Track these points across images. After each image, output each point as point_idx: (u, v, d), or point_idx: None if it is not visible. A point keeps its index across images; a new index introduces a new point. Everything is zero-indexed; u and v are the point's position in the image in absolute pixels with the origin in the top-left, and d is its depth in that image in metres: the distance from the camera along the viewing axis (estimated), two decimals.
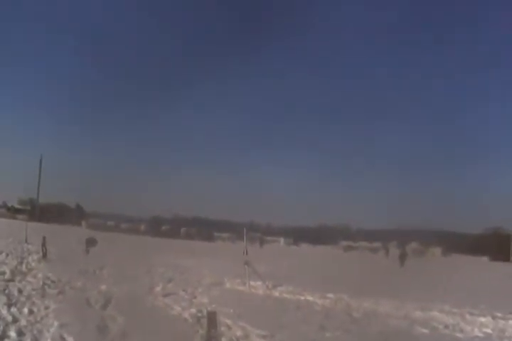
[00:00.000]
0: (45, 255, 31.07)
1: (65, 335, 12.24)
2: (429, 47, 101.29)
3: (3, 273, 22.32)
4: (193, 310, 16.86)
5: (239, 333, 14.01)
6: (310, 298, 22.41)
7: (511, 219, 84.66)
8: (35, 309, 15.03)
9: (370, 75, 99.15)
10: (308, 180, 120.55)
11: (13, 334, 12.02)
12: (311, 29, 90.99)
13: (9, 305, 15.09)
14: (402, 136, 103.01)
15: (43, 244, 32.03)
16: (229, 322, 15.11)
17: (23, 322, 13.21)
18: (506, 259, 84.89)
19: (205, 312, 15.66)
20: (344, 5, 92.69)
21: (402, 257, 55.47)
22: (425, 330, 16.50)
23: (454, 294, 25.80)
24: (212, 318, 12.55)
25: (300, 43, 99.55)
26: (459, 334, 16.38)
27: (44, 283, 20.38)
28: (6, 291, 17.70)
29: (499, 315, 20.36)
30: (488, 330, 17.38)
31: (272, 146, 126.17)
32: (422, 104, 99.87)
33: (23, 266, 26.22)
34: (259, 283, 25.31)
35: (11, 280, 20.58)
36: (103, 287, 20.29)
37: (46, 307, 15.38)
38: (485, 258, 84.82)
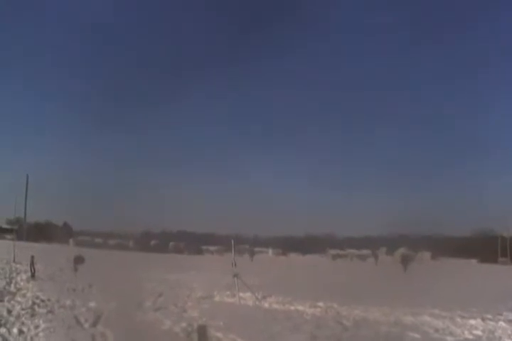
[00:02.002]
0: (33, 274, 30.96)
1: None
2: (429, 48, 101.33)
3: None
4: (184, 324, 16.82)
5: None
6: (300, 308, 22.43)
7: (498, 221, 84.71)
8: (24, 329, 14.97)
9: (369, 75, 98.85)
10: (294, 189, 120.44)
11: None
12: (311, 30, 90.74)
13: None
14: (393, 143, 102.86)
15: (32, 264, 31.92)
16: (219, 335, 15.10)
17: None
18: (494, 261, 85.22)
19: (195, 326, 15.67)
20: (344, 6, 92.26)
21: (405, 261, 55.73)
22: (416, 335, 16.54)
23: (444, 298, 25.91)
24: (202, 332, 12.59)
25: (300, 44, 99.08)
26: (449, 338, 16.45)
27: (33, 303, 20.30)
28: None
29: (489, 316, 20.50)
30: (478, 332, 17.47)
31: (258, 156, 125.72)
32: (421, 107, 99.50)
33: (12, 286, 26.12)
34: (248, 294, 25.33)
35: (0, 300, 20.49)
36: (92, 304, 20.23)
37: (36, 327, 15.32)
38: (474, 261, 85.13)
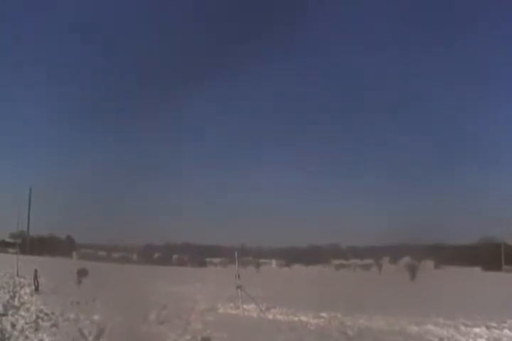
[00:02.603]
0: (37, 288, 30.96)
1: None
2: (430, 49, 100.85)
3: None
4: (188, 337, 16.81)
5: None
6: (304, 318, 22.41)
7: (502, 229, 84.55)
8: None
9: (369, 76, 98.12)
10: (296, 199, 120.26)
11: None
12: (310, 29, 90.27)
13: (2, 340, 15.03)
14: (394, 151, 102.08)
15: (35, 277, 31.95)
16: None
17: None
18: (498, 269, 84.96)
19: (199, 338, 15.66)
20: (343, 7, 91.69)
21: (412, 270, 56.00)
22: None
23: (448, 306, 25.85)
24: None
25: (299, 43, 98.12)
26: None
27: (37, 316, 20.28)
28: None
29: (493, 324, 20.44)
30: (483, 340, 17.46)
31: (259, 165, 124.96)
32: (422, 113, 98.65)
33: (16, 299, 26.12)
34: (252, 306, 25.30)
35: (4, 314, 20.47)
36: (96, 317, 20.20)
37: None
38: (477, 269, 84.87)
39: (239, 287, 25.74)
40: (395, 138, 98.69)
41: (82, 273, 35.90)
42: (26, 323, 18.58)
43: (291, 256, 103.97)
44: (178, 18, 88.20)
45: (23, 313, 21.20)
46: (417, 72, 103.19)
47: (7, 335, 15.99)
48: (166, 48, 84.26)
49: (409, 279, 52.43)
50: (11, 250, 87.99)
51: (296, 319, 22.49)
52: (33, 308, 22.78)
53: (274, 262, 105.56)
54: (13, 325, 17.95)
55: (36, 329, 17.38)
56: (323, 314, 23.12)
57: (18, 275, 38.91)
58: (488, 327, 19.79)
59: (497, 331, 19.23)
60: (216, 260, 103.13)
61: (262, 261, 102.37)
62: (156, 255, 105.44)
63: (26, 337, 15.92)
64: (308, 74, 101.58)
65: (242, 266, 46.12)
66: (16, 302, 24.93)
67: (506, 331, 19.15)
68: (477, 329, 19.41)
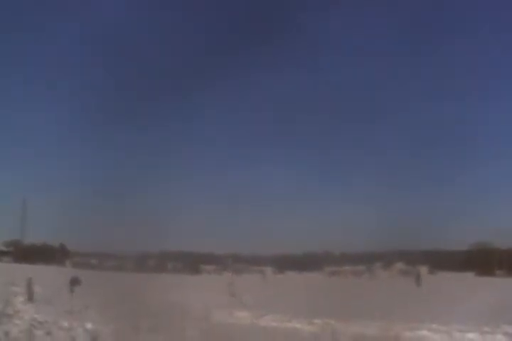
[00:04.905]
0: (31, 296, 30.83)
1: None
2: (428, 50, 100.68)
3: None
4: None
5: None
6: (297, 325, 22.40)
7: (495, 234, 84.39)
8: None
9: (368, 76, 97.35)
10: (288, 206, 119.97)
11: None
12: (311, 36, 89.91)
13: None
14: (386, 155, 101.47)
15: (29, 286, 31.84)
16: None
17: None
18: (492, 274, 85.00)
19: None
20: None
21: (417, 277, 56.47)
22: None
23: (442, 312, 25.84)
24: None
25: (302, 46, 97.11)
26: None
27: (31, 325, 20.23)
28: None
29: (487, 329, 20.45)
30: None
31: (251, 174, 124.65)
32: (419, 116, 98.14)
33: (9, 308, 26.01)
34: (246, 313, 25.27)
35: None
36: (89, 326, 20.15)
37: None
38: (471, 274, 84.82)
39: (233, 294, 25.75)
40: (389, 144, 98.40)
41: (74, 281, 35.84)
42: (20, 332, 18.54)
43: (285, 263, 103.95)
44: (180, 19, 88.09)
45: (16, 321, 21.15)
46: (415, 72, 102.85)
47: None
48: (168, 49, 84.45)
49: (415, 286, 52.67)
50: (4, 258, 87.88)
51: (289, 326, 22.47)
52: (26, 317, 22.71)
53: (267, 269, 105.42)
54: (7, 334, 17.91)
55: (30, 338, 17.34)
56: (317, 320, 23.10)
57: (11, 283, 38.72)
58: (481, 333, 19.84)
59: (490, 336, 19.28)
60: (210, 267, 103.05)
61: (256, 268, 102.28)
62: (150, 262, 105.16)
63: None
64: (310, 77, 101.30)
65: (236, 274, 46.06)
66: (10, 311, 24.84)
67: (500, 336, 19.18)
68: (471, 335, 19.47)
